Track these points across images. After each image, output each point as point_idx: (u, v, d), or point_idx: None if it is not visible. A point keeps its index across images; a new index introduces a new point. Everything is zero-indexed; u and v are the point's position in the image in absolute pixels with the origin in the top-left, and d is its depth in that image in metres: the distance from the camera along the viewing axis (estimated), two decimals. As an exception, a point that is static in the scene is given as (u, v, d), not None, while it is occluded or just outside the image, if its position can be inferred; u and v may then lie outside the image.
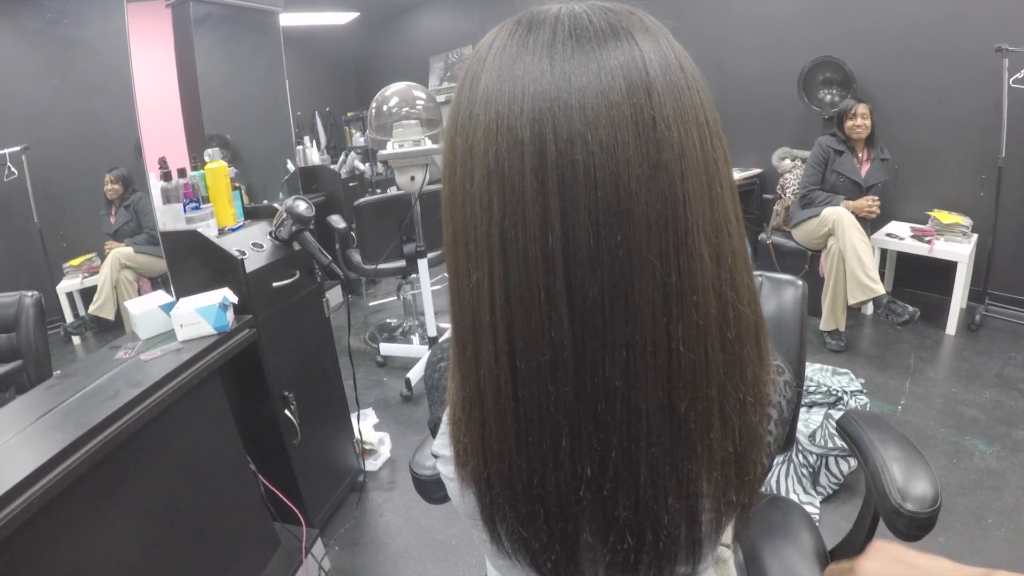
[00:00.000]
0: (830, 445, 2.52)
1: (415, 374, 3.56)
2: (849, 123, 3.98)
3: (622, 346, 0.51)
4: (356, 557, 2.35)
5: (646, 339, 0.51)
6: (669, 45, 0.55)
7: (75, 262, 3.97)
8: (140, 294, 3.52)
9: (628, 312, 0.51)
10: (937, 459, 2.72)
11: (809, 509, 2.42)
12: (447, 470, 0.70)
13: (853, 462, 2.51)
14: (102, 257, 3.89)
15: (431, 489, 1.15)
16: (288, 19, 4.15)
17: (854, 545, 1.29)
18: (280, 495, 2.05)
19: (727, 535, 0.75)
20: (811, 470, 2.55)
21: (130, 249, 3.79)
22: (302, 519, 2.08)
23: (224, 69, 3.74)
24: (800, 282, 1.45)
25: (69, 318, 3.87)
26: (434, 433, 0.80)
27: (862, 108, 3.97)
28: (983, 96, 4.06)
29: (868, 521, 1.23)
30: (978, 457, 2.75)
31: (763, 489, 0.63)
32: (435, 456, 0.75)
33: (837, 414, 2.65)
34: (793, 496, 2.50)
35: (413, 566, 2.29)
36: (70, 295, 3.98)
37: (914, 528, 1.02)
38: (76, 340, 3.89)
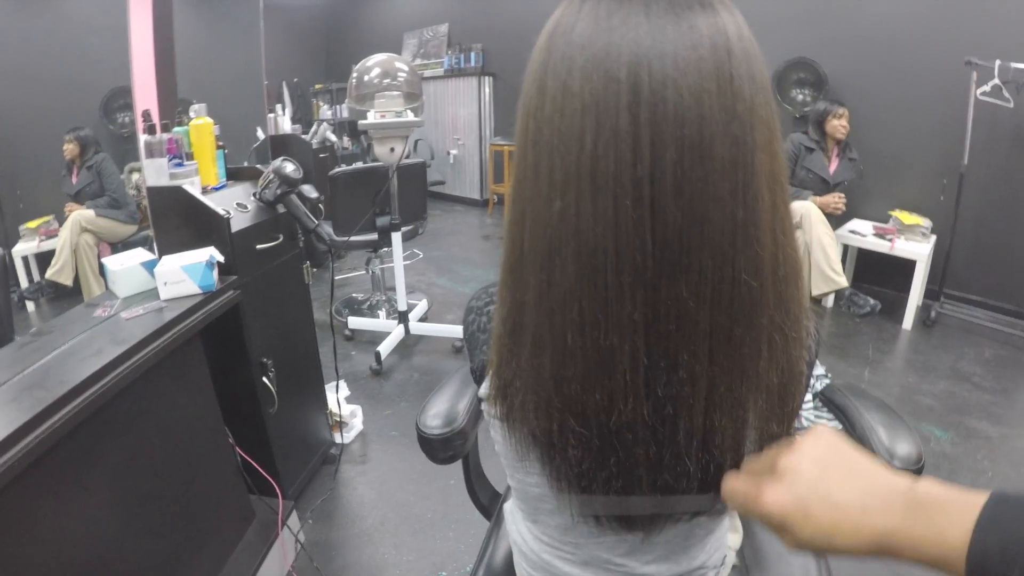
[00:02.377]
0: (796, 425, 2.55)
1: (385, 348, 3.52)
2: (835, 122, 4.19)
3: (696, 271, 0.56)
4: (331, 530, 2.30)
5: (715, 264, 0.56)
6: (742, 20, 0.60)
7: (32, 224, 3.84)
8: (100, 259, 3.42)
9: (703, 239, 0.55)
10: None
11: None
12: (497, 411, 0.72)
13: None
14: (61, 220, 3.76)
15: (438, 449, 1.14)
16: (263, -12, 4.06)
17: None
18: (256, 466, 1.99)
19: None
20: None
21: (91, 212, 3.66)
22: (278, 490, 2.03)
23: (202, 35, 3.65)
24: None
25: (24, 283, 3.74)
26: (480, 378, 0.82)
27: (844, 110, 4.17)
28: (950, 106, 4.24)
29: None
30: (934, 442, 2.89)
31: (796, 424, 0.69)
32: (482, 399, 0.78)
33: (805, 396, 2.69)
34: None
35: (389, 539, 2.25)
36: (25, 259, 3.84)
37: None
38: (31, 306, 3.76)
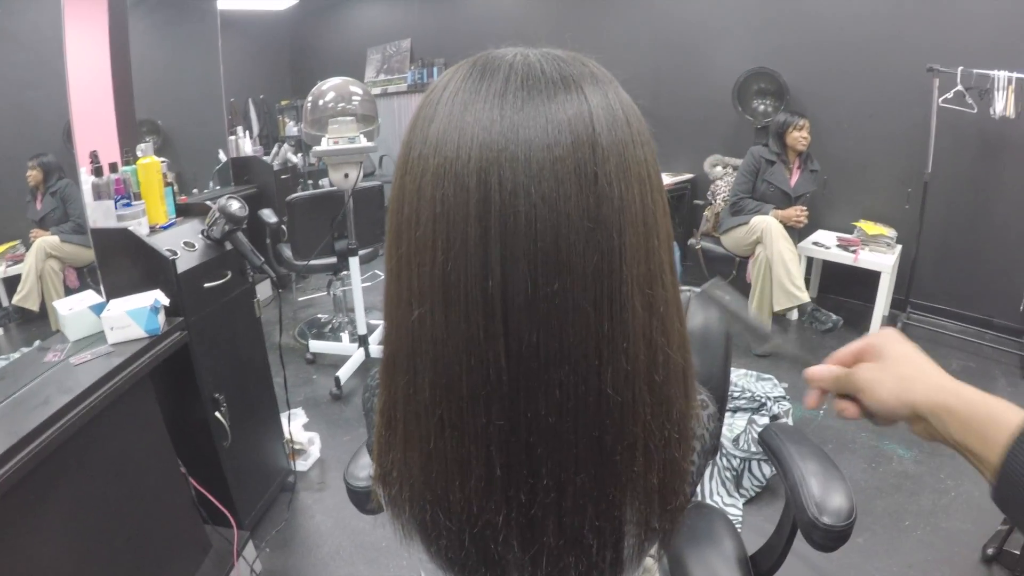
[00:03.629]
0: (753, 449, 2.61)
1: (345, 372, 3.54)
2: (796, 134, 4.12)
3: (555, 386, 0.54)
4: (287, 559, 2.33)
5: (578, 380, 0.54)
6: (617, 98, 0.56)
7: (-1, 249, 3.82)
8: (66, 284, 3.41)
9: (562, 355, 0.53)
10: (857, 463, 2.83)
11: (732, 511, 2.51)
12: (383, 494, 0.71)
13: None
14: (27, 245, 3.75)
15: (365, 500, 1.14)
16: (224, 2, 4.06)
17: (774, 551, 1.34)
18: (211, 497, 2.03)
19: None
20: (734, 473, 2.64)
21: (56, 238, 3.65)
22: (233, 521, 2.06)
23: (159, 54, 3.65)
24: (728, 297, 1.50)
25: (-6, 308, 3.72)
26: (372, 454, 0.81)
27: (804, 121, 4.12)
28: (912, 113, 4.24)
29: (787, 530, 1.29)
30: (896, 461, 2.88)
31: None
32: (372, 479, 0.76)
33: (761, 419, 2.74)
34: (717, 498, 2.58)
35: (344, 568, 2.29)
36: (-6, 284, 3.82)
37: (829, 540, 1.07)
38: None
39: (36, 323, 3.38)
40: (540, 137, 0.51)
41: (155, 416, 1.85)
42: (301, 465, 2.82)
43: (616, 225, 0.53)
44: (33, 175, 3.71)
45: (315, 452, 2.92)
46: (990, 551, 2.26)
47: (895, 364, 0.70)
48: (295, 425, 2.79)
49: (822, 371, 0.73)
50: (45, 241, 3.65)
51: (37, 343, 1.87)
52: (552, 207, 0.51)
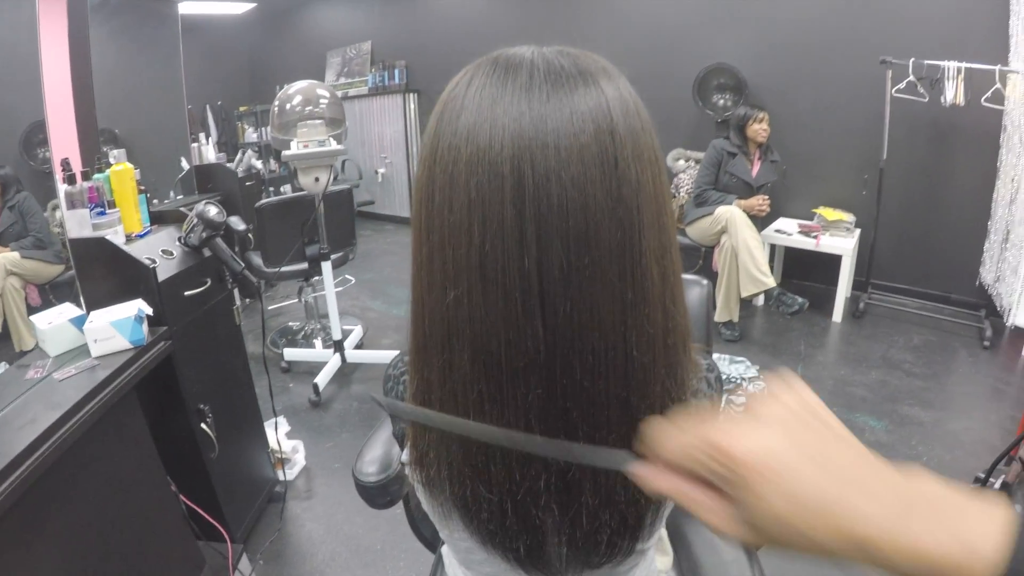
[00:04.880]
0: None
1: (322, 379, 3.50)
2: (755, 126, 4.24)
3: (588, 352, 0.59)
4: (283, 569, 2.29)
5: (608, 345, 0.59)
6: (628, 91, 0.62)
7: (-44, 267, 3.69)
8: (28, 302, 3.32)
9: (593, 323, 0.58)
10: (832, 437, 2.91)
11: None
12: (419, 476, 0.75)
13: None
14: (-13, 262, 3.63)
15: (376, 495, 1.16)
16: (182, 7, 3.99)
17: None
18: (202, 512, 1.98)
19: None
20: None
21: (16, 254, 3.55)
22: (226, 535, 2.02)
23: (119, 60, 3.56)
24: (705, 281, 1.58)
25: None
26: (402, 443, 0.83)
27: (764, 114, 4.24)
28: (867, 103, 4.43)
29: None
30: (868, 432, 2.99)
31: None
32: (404, 464, 0.79)
33: (737, 399, 2.79)
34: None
35: (342, 573, 2.27)
36: (-49, 303, 3.69)
37: None
38: (-43, 352, 3.63)
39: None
40: (566, 127, 0.56)
41: (142, 430, 1.80)
42: (287, 474, 2.77)
43: (635, 204, 0.58)
44: (-10, 189, 3.60)
45: (300, 460, 2.87)
46: None
47: (813, 440, 0.44)
48: (279, 434, 2.73)
49: (669, 436, 0.47)
50: (5, 258, 3.55)
51: (4, 365, 1.80)
52: (580, 189, 0.56)
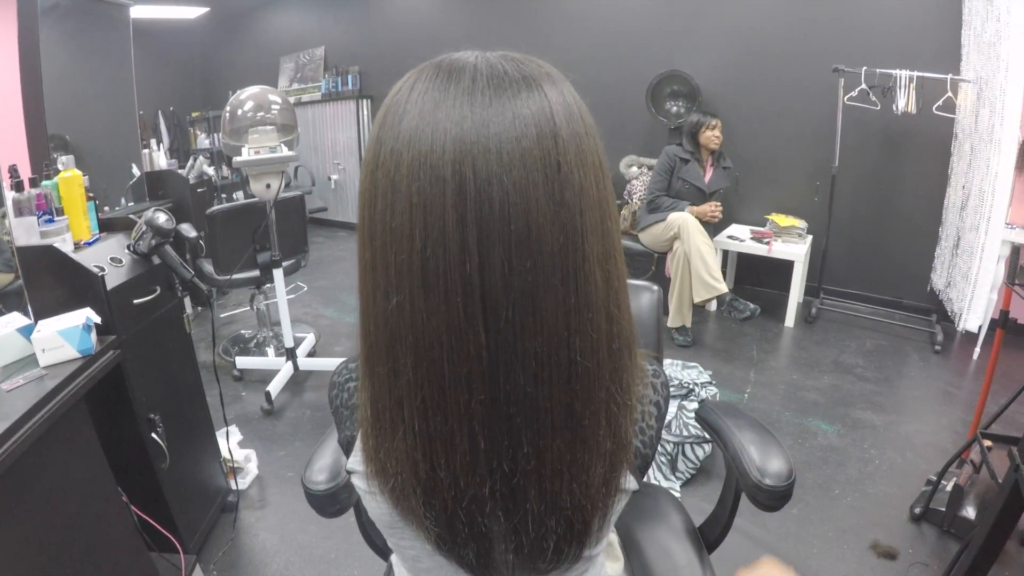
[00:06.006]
0: (685, 433, 2.71)
1: (275, 387, 3.47)
2: (708, 133, 4.28)
3: (531, 357, 0.59)
4: (236, 580, 2.27)
5: (551, 350, 0.59)
6: (571, 95, 0.63)
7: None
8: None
9: (536, 328, 0.58)
10: (784, 440, 2.93)
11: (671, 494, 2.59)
12: (364, 485, 0.76)
13: (708, 447, 2.73)
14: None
15: (326, 503, 1.15)
16: (134, 11, 3.92)
17: (719, 521, 1.40)
18: (154, 523, 1.96)
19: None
20: (669, 457, 2.74)
21: (-34, 263, 3.47)
22: (178, 546, 1.99)
23: (69, 65, 3.48)
24: (655, 287, 1.61)
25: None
26: (348, 451, 0.84)
27: (716, 121, 4.28)
28: (819, 111, 4.51)
29: (730, 499, 1.35)
30: (821, 436, 3.04)
31: (644, 478, 0.78)
32: (350, 472, 0.80)
33: (690, 404, 2.84)
34: (655, 483, 2.64)
35: (296, 583, 2.24)
36: None
37: (774, 500, 1.14)
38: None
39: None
40: (509, 130, 0.57)
41: (92, 441, 1.77)
42: (240, 483, 2.75)
43: (577, 208, 0.58)
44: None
45: (253, 469, 2.85)
46: (917, 510, 2.43)
47: None
48: (231, 443, 2.71)
49: None
50: (-49, 269, 3.46)
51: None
52: (522, 193, 0.56)
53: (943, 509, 2.35)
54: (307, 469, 1.17)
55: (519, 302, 0.57)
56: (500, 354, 0.59)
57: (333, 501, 1.15)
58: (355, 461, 0.78)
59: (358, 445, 0.77)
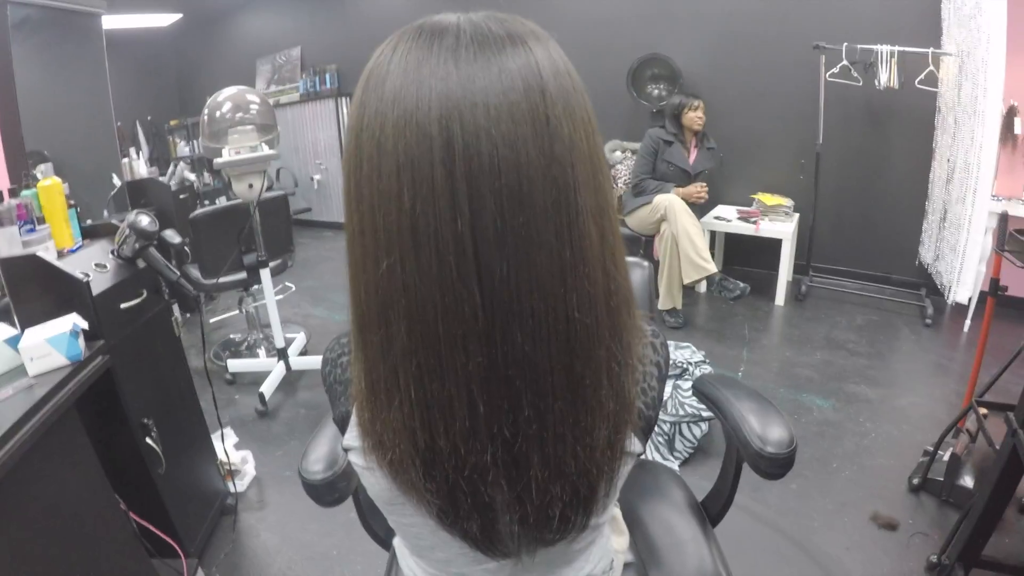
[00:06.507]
0: (681, 412, 2.72)
1: (268, 388, 3.46)
2: (691, 114, 4.27)
3: (528, 315, 0.58)
4: (239, 581, 2.26)
5: (548, 307, 0.58)
6: (557, 53, 0.61)
7: None
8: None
9: (532, 284, 0.57)
10: (780, 415, 2.97)
11: (671, 473, 2.60)
12: (362, 460, 0.74)
13: (705, 426, 2.74)
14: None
15: (323, 492, 1.14)
16: (107, 21, 3.88)
17: (721, 495, 1.40)
18: (153, 529, 1.95)
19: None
20: (667, 437, 2.74)
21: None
22: (179, 551, 1.98)
23: (43, 78, 3.44)
24: (647, 263, 1.60)
25: None
26: (343, 428, 0.82)
27: (699, 102, 4.28)
28: (802, 89, 4.51)
29: (731, 472, 1.35)
30: (816, 411, 3.05)
31: (647, 441, 0.78)
32: (347, 449, 0.79)
33: (684, 384, 2.84)
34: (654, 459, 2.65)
35: (299, 581, 2.24)
36: None
37: (776, 467, 1.13)
38: None
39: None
40: (495, 84, 0.55)
41: (86, 449, 1.75)
42: (238, 485, 2.74)
43: (568, 161, 0.57)
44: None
45: (250, 471, 2.84)
46: (916, 481, 2.44)
47: None
48: (227, 446, 2.69)
49: None
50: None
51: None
52: (511, 147, 0.55)
53: (941, 479, 2.37)
54: (303, 460, 1.16)
55: (513, 258, 0.56)
56: (496, 313, 0.57)
57: (331, 490, 1.14)
58: (351, 437, 0.77)
59: (353, 420, 0.76)
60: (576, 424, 0.63)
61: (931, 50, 3.82)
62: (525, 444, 0.63)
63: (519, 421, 0.61)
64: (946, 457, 2.37)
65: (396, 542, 1.01)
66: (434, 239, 0.56)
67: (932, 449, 2.43)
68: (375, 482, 0.75)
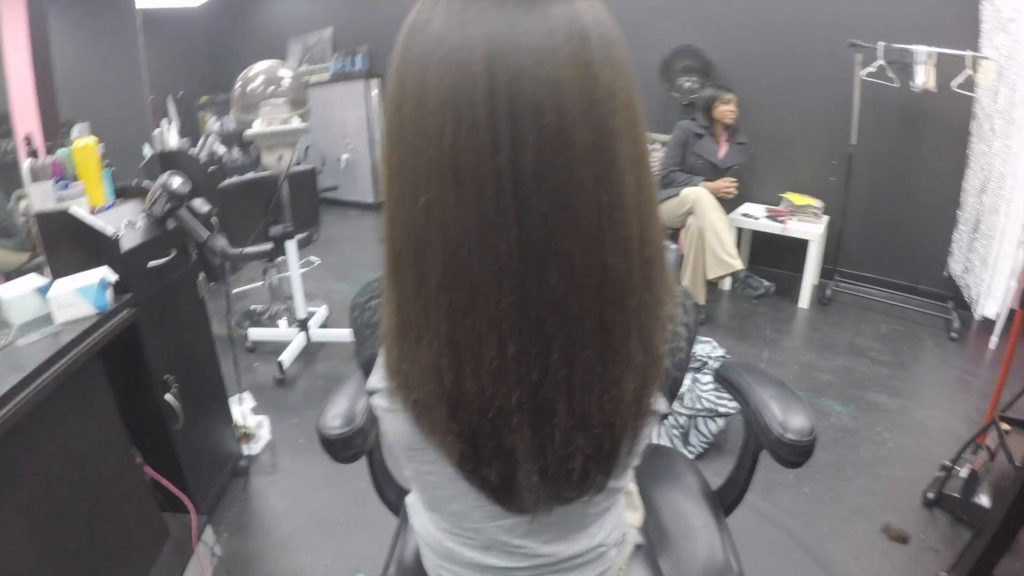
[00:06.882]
0: (698, 407, 2.68)
1: (287, 357, 3.51)
2: (722, 108, 4.19)
3: (563, 255, 0.59)
4: (247, 541, 2.30)
5: (583, 249, 0.59)
6: (600, 8, 0.62)
7: (-78, 257, 3.63)
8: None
9: (568, 226, 0.58)
10: (797, 417, 2.94)
11: (684, 468, 2.58)
12: (386, 402, 0.75)
13: (721, 422, 2.71)
14: (-50, 253, 3.58)
15: (340, 448, 1.16)
16: (138, 2, 3.93)
17: (736, 484, 1.39)
18: (166, 483, 1.98)
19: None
20: (682, 431, 2.72)
21: (-21, 243, 3.51)
22: (190, 507, 2.02)
23: (78, 51, 3.49)
24: (673, 246, 1.57)
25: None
26: (367, 371, 0.83)
27: (731, 96, 4.20)
28: (835, 87, 4.38)
29: (749, 459, 1.34)
30: (834, 417, 3.00)
31: (667, 413, 0.78)
32: (371, 392, 0.80)
33: (704, 377, 2.81)
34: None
35: (305, 545, 2.28)
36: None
37: (795, 455, 1.13)
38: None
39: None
40: (539, 28, 0.56)
41: (107, 399, 1.79)
42: (252, 449, 2.78)
43: (609, 108, 0.58)
44: (-49, 178, 3.55)
45: (265, 435, 2.89)
46: (930, 495, 2.38)
47: None
48: (244, 410, 2.74)
49: None
50: (-33, 247, 3.49)
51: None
52: (553, 88, 0.56)
53: (957, 495, 2.30)
54: (322, 416, 1.17)
55: (551, 197, 0.57)
56: (532, 252, 0.58)
57: (347, 446, 1.15)
58: (376, 379, 0.78)
59: (379, 362, 0.76)
60: (604, 374, 0.64)
61: (970, 53, 3.68)
62: (552, 390, 0.63)
63: (548, 365, 0.62)
64: (963, 473, 2.31)
65: (409, 499, 1.02)
66: (474, 175, 0.57)
67: (949, 464, 2.38)
68: (397, 426, 0.76)
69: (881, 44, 3.89)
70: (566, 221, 0.58)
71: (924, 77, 3.82)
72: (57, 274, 1.80)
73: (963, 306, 4.02)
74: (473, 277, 0.59)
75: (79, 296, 1.67)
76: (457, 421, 0.66)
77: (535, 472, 0.69)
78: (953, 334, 3.91)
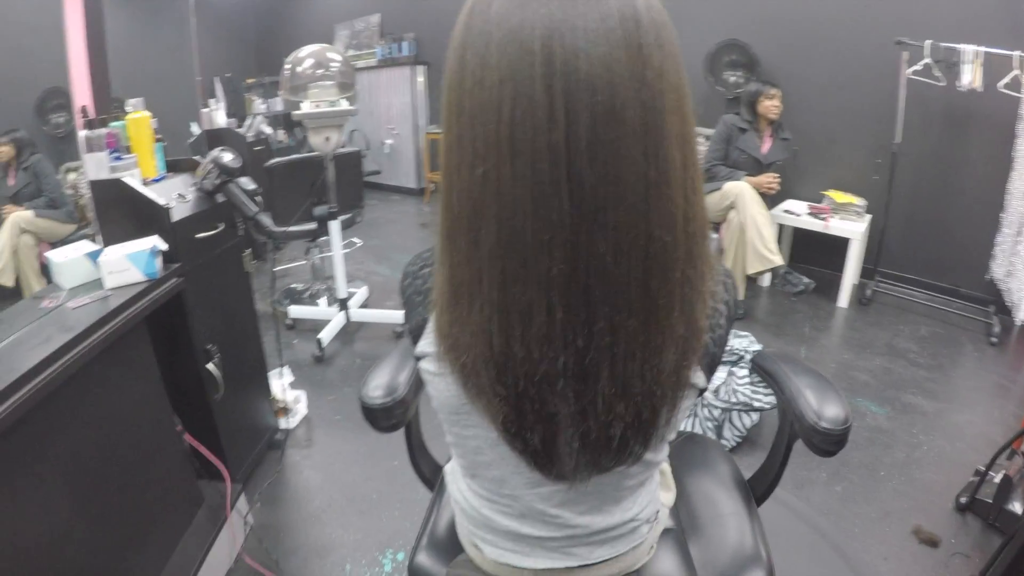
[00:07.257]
0: (733, 400, 2.67)
1: (327, 335, 3.56)
2: (767, 103, 4.14)
3: (612, 227, 0.61)
4: (279, 512, 2.35)
5: (630, 221, 0.62)
6: None
7: (-29, 227, 3.73)
8: (40, 260, 3.38)
9: (617, 198, 0.61)
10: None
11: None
12: (434, 367, 0.79)
13: (755, 416, 2.69)
14: (0, 221, 3.69)
15: (380, 417, 1.19)
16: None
17: (769, 473, 1.39)
18: (204, 451, 2.03)
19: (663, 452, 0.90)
20: (716, 423, 2.71)
21: (30, 213, 3.61)
22: (226, 474, 2.06)
23: (130, 30, 3.58)
24: (715, 235, 1.56)
25: (-37, 286, 3.64)
26: (416, 337, 0.86)
27: (776, 91, 4.16)
28: (881, 85, 4.31)
29: (783, 448, 1.34)
30: (870, 417, 2.97)
31: (705, 388, 0.80)
32: (419, 358, 0.83)
33: (740, 371, 2.80)
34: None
35: (336, 519, 2.31)
36: (-33, 262, 3.73)
37: (829, 443, 1.14)
38: (-30, 308, 3.66)
39: (11, 299, 3.34)
40: (593, 11, 0.59)
41: (151, 365, 1.84)
42: (288, 423, 2.83)
43: (658, 88, 0.61)
44: (5, 151, 3.66)
45: (302, 410, 2.93)
46: (963, 500, 2.35)
47: None
48: (282, 384, 2.79)
49: None
50: (19, 216, 3.60)
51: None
52: (607, 67, 0.59)
53: (990, 501, 2.27)
54: (364, 386, 1.20)
55: (602, 171, 0.60)
56: (582, 222, 0.61)
57: (388, 415, 1.18)
58: (425, 343, 0.81)
59: (429, 327, 0.80)
60: (647, 344, 0.66)
61: (1018, 53, 3.58)
62: (596, 356, 0.65)
63: (593, 332, 0.64)
64: (997, 479, 2.28)
65: (448, 467, 1.05)
66: (530, 147, 0.60)
67: (983, 469, 2.34)
68: (444, 389, 0.79)
69: (928, 42, 3.83)
70: (615, 194, 0.61)
71: (971, 76, 3.74)
72: (108, 241, 1.85)
73: (1004, 311, 3.95)
74: (525, 245, 0.62)
75: (129, 262, 1.72)
76: (504, 384, 0.68)
77: (576, 438, 0.71)
78: (993, 339, 3.85)
